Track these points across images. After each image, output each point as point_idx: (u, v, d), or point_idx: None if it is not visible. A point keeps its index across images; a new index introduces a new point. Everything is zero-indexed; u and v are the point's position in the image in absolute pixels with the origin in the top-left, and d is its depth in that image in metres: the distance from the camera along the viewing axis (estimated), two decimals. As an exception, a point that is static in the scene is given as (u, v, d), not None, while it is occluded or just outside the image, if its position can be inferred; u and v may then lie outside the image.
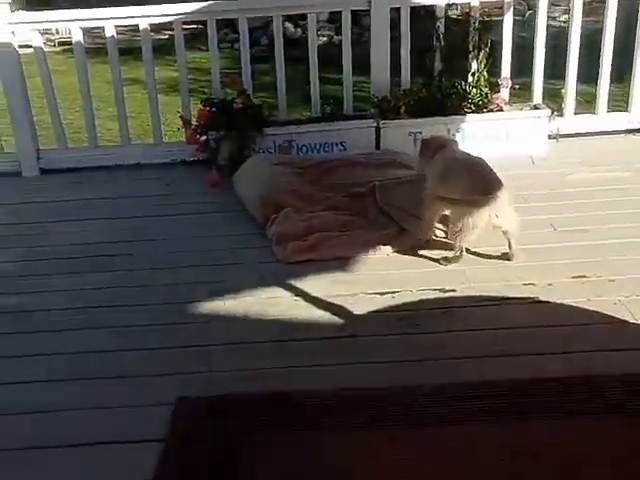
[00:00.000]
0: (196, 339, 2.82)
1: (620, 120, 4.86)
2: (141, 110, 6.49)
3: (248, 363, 2.63)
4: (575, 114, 4.87)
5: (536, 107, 4.72)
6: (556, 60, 4.86)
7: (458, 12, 4.90)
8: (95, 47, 6.69)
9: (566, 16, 4.92)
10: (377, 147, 4.58)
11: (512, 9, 4.72)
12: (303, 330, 2.83)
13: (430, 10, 4.80)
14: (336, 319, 2.89)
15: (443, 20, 4.68)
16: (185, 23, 4.89)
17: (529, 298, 2.93)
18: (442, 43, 4.69)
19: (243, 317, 2.95)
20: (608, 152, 4.58)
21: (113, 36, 4.64)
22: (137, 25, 4.67)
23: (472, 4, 4.71)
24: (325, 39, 10.01)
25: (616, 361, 2.52)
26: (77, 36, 4.66)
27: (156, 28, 5.85)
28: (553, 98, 4.95)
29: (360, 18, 6.64)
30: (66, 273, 3.43)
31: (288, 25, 9.52)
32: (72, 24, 4.69)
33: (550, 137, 4.68)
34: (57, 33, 12.83)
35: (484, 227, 3.16)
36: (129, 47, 6.43)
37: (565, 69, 4.77)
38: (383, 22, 4.63)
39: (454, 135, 4.57)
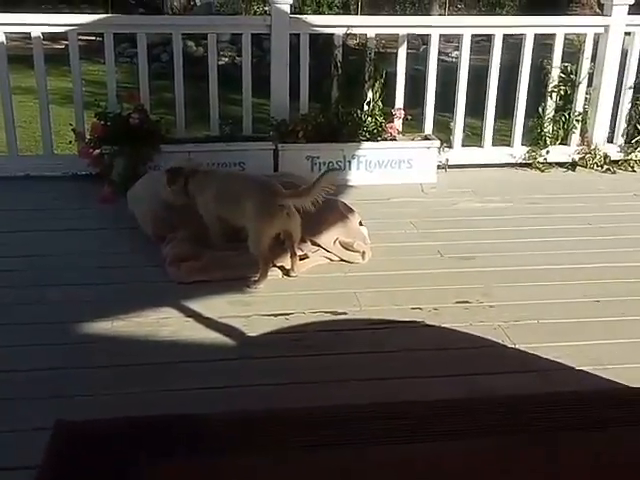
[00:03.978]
0: (80, 361, 2.71)
1: (503, 154, 5.16)
2: (32, 120, 6.26)
3: (134, 386, 2.56)
4: (463, 146, 5.13)
5: (427, 138, 4.93)
6: (447, 94, 5.10)
7: (357, 41, 5.03)
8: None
9: (457, 52, 5.16)
10: (275, 169, 4.62)
11: (406, 42, 4.93)
12: (194, 352, 2.79)
13: (329, 38, 4.92)
14: (228, 341, 2.87)
15: (341, 49, 4.82)
16: (84, 34, 4.77)
17: (416, 322, 3.03)
18: (340, 71, 4.83)
19: (131, 338, 2.87)
20: (492, 183, 4.86)
21: (2, 42, 4.45)
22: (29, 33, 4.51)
23: (368, 35, 4.88)
24: (227, 59, 10.03)
25: (497, 383, 2.64)
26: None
27: (53, 37, 5.68)
28: (444, 130, 5.18)
29: (262, 41, 6.69)
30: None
31: (190, 43, 9.46)
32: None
33: (439, 167, 4.90)
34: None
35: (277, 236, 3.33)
36: (24, 55, 6.19)
37: (454, 103, 5.02)
38: (283, 47, 4.71)
39: (349, 162, 4.71)
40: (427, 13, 16.61)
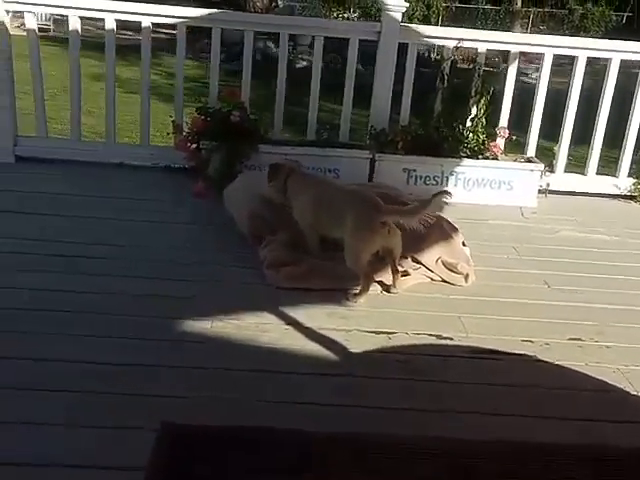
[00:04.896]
0: (178, 360, 2.61)
1: (607, 184, 4.93)
2: (124, 110, 6.28)
3: (230, 392, 2.45)
4: (565, 172, 4.92)
5: (530, 160, 4.74)
6: (545, 117, 4.89)
7: (460, 58, 4.90)
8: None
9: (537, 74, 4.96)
10: (370, 179, 4.51)
11: (517, 61, 4.75)
12: (294, 363, 2.68)
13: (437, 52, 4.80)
14: (330, 355, 2.75)
15: (449, 62, 4.67)
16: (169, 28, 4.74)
17: (527, 356, 2.85)
18: (445, 85, 4.68)
19: (229, 342, 2.77)
20: (595, 213, 4.64)
21: (113, 30, 4.46)
22: (125, 22, 4.52)
23: (479, 50, 4.72)
24: (305, 63, 9.99)
25: (615, 432, 2.44)
26: (74, 25, 4.47)
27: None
28: (544, 154, 4.98)
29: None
30: (31, 271, 3.17)
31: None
32: (70, 11, 4.49)
33: (540, 191, 4.70)
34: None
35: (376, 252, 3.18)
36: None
37: (560, 128, 4.82)
38: (390, 55, 4.59)
39: (447, 178, 4.56)
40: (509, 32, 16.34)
